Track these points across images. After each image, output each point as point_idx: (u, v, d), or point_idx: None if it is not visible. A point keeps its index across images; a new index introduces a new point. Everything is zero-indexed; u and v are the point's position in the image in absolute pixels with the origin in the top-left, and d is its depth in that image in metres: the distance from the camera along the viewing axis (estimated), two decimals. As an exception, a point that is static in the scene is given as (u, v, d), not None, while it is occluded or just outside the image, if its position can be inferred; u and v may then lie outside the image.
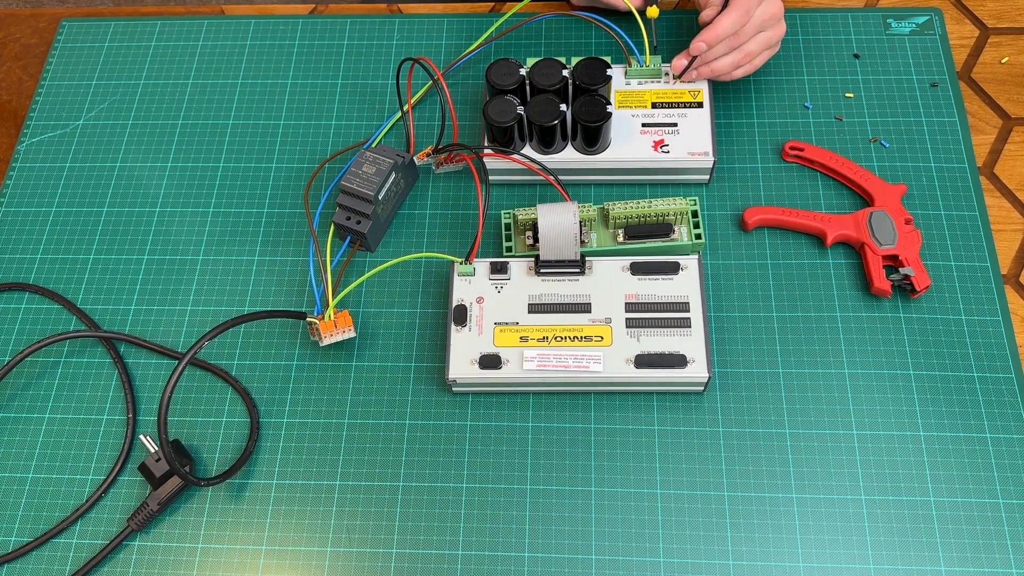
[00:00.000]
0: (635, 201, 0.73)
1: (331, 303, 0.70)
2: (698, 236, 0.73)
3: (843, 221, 0.73)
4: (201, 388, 0.72)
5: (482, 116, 0.75)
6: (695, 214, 0.73)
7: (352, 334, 0.70)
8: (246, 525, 0.67)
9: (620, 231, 0.73)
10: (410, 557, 0.65)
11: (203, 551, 0.66)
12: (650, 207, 0.72)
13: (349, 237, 0.74)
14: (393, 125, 0.82)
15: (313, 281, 0.72)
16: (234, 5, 0.94)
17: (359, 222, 0.73)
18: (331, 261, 0.73)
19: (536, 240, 0.72)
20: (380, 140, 0.81)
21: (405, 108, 0.78)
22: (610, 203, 0.73)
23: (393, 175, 0.74)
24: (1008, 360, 0.69)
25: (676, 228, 0.73)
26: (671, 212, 0.72)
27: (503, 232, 0.74)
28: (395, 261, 0.73)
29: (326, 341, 0.69)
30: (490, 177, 0.77)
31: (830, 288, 0.73)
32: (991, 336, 0.70)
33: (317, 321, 0.69)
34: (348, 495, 0.67)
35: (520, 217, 0.73)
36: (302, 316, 0.70)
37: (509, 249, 0.73)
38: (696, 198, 0.73)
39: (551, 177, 0.73)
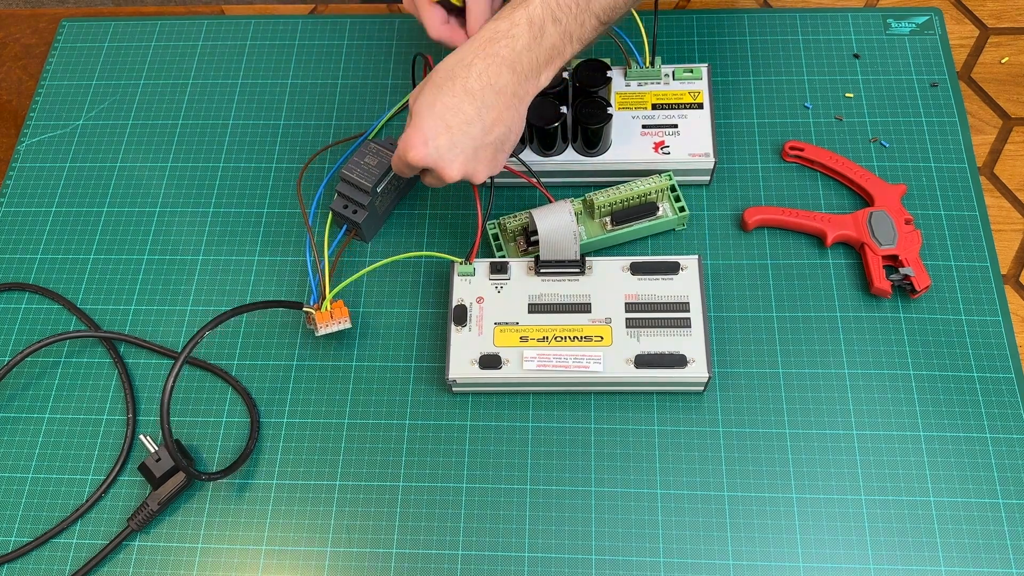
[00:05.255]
0: (615, 187, 0.73)
1: (327, 293, 0.69)
2: (681, 209, 0.73)
3: (843, 221, 0.73)
4: (201, 388, 0.72)
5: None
6: (674, 188, 0.73)
7: (348, 325, 0.70)
8: (246, 525, 0.67)
9: (607, 219, 0.73)
10: (410, 557, 0.65)
11: (203, 551, 0.66)
12: (630, 190, 0.72)
13: (346, 226, 0.74)
14: (394, 115, 0.81)
15: (310, 270, 0.72)
16: (234, 5, 0.94)
17: (355, 211, 0.73)
18: (328, 247, 0.73)
19: (530, 244, 0.72)
20: (382, 127, 0.81)
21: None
22: (592, 193, 0.73)
23: None
24: (1008, 360, 0.69)
25: (660, 206, 0.73)
26: (651, 191, 0.73)
27: (492, 243, 0.74)
28: (394, 259, 0.73)
29: (322, 331, 0.69)
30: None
31: (830, 288, 0.73)
32: (991, 336, 0.70)
33: (313, 311, 0.69)
34: (348, 495, 0.67)
35: (510, 224, 0.73)
36: (299, 306, 0.70)
37: (503, 257, 0.73)
38: (671, 172, 0.73)
39: (535, 180, 0.73)
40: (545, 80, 0.63)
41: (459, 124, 0.61)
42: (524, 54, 0.61)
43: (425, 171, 0.66)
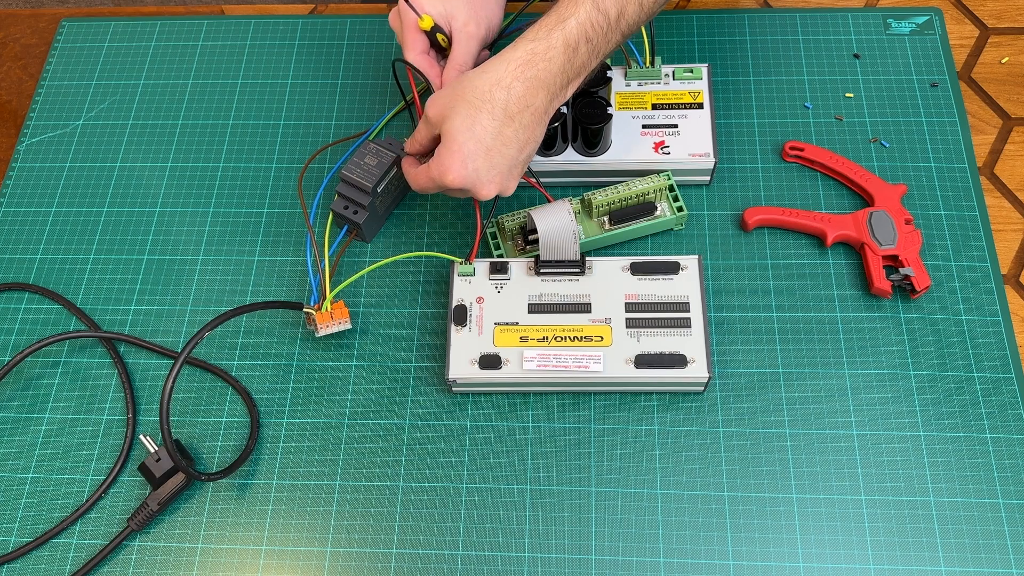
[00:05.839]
0: (613, 187, 0.73)
1: (328, 294, 0.69)
2: (680, 209, 0.73)
3: (843, 221, 0.73)
4: (201, 388, 0.72)
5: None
6: (672, 188, 0.73)
7: (348, 325, 0.70)
8: (246, 525, 0.67)
9: (605, 219, 0.73)
10: (410, 557, 0.65)
11: (203, 551, 0.66)
12: (629, 189, 0.73)
13: (347, 226, 0.74)
14: (394, 115, 0.81)
15: (310, 270, 0.72)
16: (234, 5, 0.94)
17: (356, 212, 0.73)
18: (328, 248, 0.73)
19: (528, 243, 0.72)
20: (382, 128, 0.81)
21: (409, 98, 0.77)
22: (590, 193, 0.73)
23: (395, 169, 0.74)
24: (1008, 360, 0.69)
25: (658, 205, 0.73)
26: (650, 191, 0.73)
27: (490, 241, 0.74)
28: (394, 259, 0.73)
29: (322, 332, 0.69)
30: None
31: (830, 288, 0.73)
32: (991, 336, 0.70)
33: (313, 311, 0.69)
34: (348, 495, 0.67)
35: (507, 223, 0.73)
36: (299, 307, 0.70)
37: (500, 256, 0.73)
38: (670, 172, 0.73)
39: (533, 179, 0.73)
40: (570, 94, 0.64)
41: (498, 146, 0.62)
42: (558, 75, 0.62)
43: (459, 194, 0.66)
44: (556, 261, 0.70)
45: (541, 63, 0.61)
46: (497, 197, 0.67)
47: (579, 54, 0.62)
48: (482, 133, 0.61)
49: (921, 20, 0.84)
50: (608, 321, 0.68)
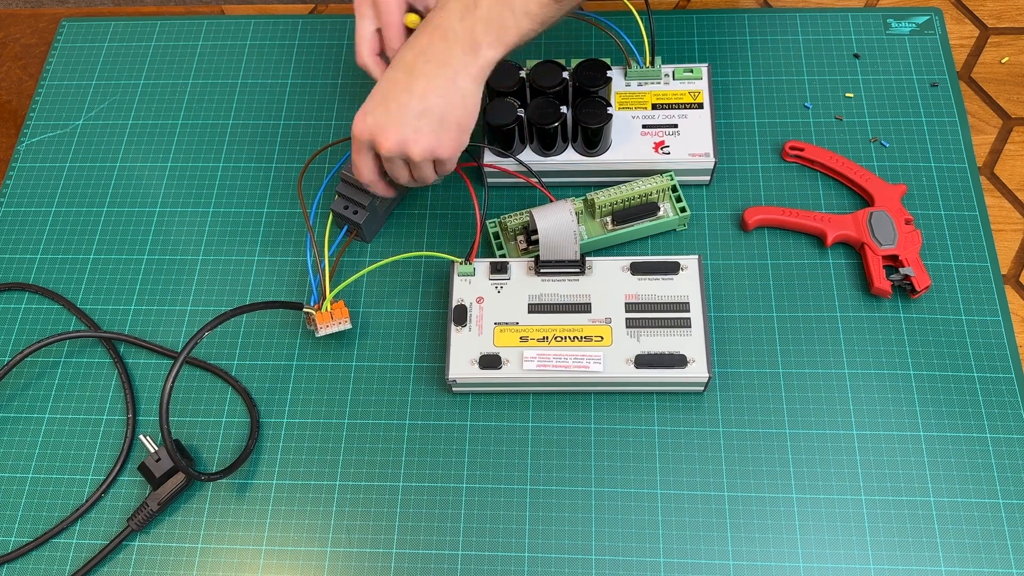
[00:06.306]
0: (616, 187, 0.73)
1: (328, 294, 0.69)
2: (683, 209, 0.73)
3: (843, 221, 0.73)
4: (201, 388, 0.72)
5: (482, 118, 0.75)
6: (675, 188, 0.74)
7: (348, 325, 0.70)
8: (246, 525, 0.67)
9: (608, 219, 0.73)
10: (410, 557, 0.65)
11: (203, 551, 0.66)
12: (632, 190, 0.72)
13: (347, 226, 0.74)
14: None
15: (310, 270, 0.72)
16: (234, 5, 0.94)
17: (356, 212, 0.73)
18: (328, 248, 0.73)
19: (531, 243, 0.72)
20: None
21: None
22: (593, 193, 0.73)
23: None
24: (1008, 360, 0.69)
25: (661, 206, 0.73)
26: (652, 191, 0.73)
27: (493, 241, 0.74)
28: (394, 259, 0.73)
29: (322, 332, 0.69)
30: (488, 180, 0.77)
31: (830, 288, 0.73)
32: (991, 336, 0.70)
33: (313, 311, 0.69)
34: (348, 495, 0.67)
35: (510, 223, 0.73)
36: (299, 307, 0.70)
37: (503, 256, 0.73)
38: (672, 172, 0.73)
39: (535, 180, 0.73)
40: (490, 55, 0.62)
41: (395, 93, 0.63)
42: (456, 24, 0.61)
43: (387, 162, 0.66)
44: (556, 261, 0.70)
45: (436, 12, 0.62)
46: (486, 192, 0.66)
47: (480, 5, 0.61)
48: (381, 85, 0.64)
49: (921, 20, 0.84)
50: (608, 321, 0.68)
